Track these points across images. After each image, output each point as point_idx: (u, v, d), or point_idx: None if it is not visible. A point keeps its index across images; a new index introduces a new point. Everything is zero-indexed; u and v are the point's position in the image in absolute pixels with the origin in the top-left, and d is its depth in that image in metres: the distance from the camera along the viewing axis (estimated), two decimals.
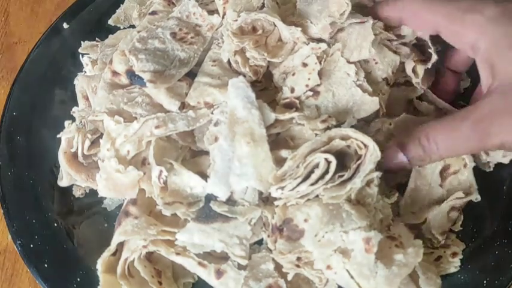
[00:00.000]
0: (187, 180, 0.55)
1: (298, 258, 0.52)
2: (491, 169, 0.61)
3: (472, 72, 0.65)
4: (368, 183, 0.53)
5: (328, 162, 0.52)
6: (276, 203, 0.53)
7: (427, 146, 0.50)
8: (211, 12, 0.66)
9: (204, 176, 0.55)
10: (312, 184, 0.51)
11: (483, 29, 0.50)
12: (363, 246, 0.49)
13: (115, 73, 0.62)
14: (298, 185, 0.52)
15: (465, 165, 0.57)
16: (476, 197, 0.58)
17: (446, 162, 0.57)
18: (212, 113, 0.56)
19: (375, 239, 0.49)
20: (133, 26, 0.74)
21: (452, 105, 0.62)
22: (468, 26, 0.51)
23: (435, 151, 0.50)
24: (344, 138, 0.53)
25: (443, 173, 0.58)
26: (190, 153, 0.59)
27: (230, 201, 0.55)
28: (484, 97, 0.49)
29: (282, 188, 0.52)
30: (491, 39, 0.50)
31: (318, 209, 0.51)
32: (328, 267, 0.50)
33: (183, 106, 0.59)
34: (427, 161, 0.52)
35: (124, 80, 0.62)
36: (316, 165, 0.52)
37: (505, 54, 0.48)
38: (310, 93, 0.58)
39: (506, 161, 0.60)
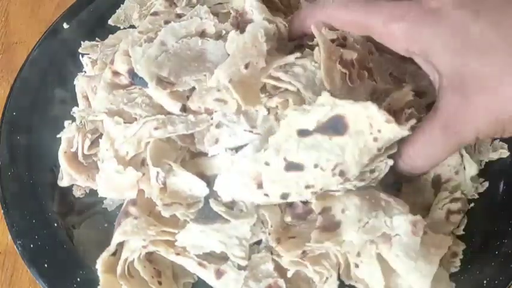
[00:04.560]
0: (187, 182, 0.55)
1: (303, 252, 0.52)
2: (482, 167, 0.61)
3: None
4: None
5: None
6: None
7: (413, 163, 0.53)
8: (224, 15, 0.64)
9: (204, 177, 0.55)
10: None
11: (410, 34, 0.49)
12: (410, 229, 0.49)
13: (115, 73, 0.62)
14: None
15: (457, 173, 0.58)
16: (471, 196, 0.58)
17: (437, 172, 0.58)
18: (212, 118, 0.56)
19: (421, 223, 0.49)
20: (133, 26, 0.74)
21: None
22: (397, 37, 0.50)
23: (421, 165, 0.54)
24: None
25: (437, 182, 0.58)
26: (190, 154, 0.59)
27: (230, 202, 0.54)
28: (439, 98, 0.49)
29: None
30: (423, 41, 0.49)
31: (355, 199, 0.51)
32: (357, 254, 0.50)
33: (185, 108, 0.59)
34: (418, 173, 0.56)
35: (124, 80, 0.62)
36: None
37: (441, 49, 0.48)
38: None
39: (495, 156, 0.61)
